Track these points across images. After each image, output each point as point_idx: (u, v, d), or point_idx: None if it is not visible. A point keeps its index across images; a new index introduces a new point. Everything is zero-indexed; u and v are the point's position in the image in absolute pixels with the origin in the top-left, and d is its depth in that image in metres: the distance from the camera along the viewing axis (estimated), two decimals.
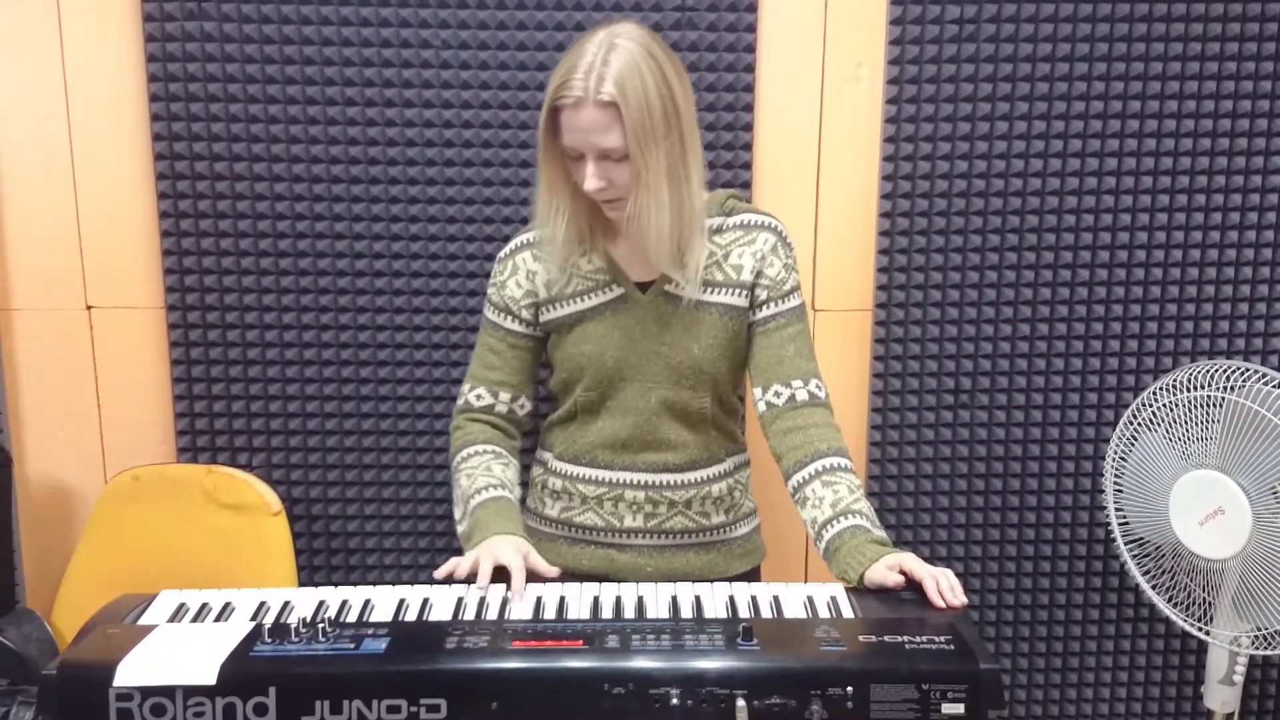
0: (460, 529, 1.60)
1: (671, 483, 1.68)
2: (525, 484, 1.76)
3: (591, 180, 1.49)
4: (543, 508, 1.77)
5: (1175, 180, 2.14)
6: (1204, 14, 2.07)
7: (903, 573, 1.35)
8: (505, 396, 1.71)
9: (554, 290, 1.65)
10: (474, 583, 1.39)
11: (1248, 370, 1.90)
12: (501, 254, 1.71)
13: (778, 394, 1.61)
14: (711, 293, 1.62)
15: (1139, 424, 2.02)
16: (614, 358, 1.63)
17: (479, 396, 1.71)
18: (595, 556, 1.72)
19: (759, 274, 1.62)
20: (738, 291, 1.62)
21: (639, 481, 1.68)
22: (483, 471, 1.63)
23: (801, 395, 1.59)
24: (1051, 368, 2.21)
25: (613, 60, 1.43)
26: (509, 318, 1.69)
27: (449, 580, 1.41)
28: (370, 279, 2.12)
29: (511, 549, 1.44)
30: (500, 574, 1.41)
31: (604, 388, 1.65)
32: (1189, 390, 1.94)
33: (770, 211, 1.69)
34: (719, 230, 1.64)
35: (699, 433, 1.67)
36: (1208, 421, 1.91)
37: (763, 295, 1.63)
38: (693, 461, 1.68)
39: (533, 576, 1.44)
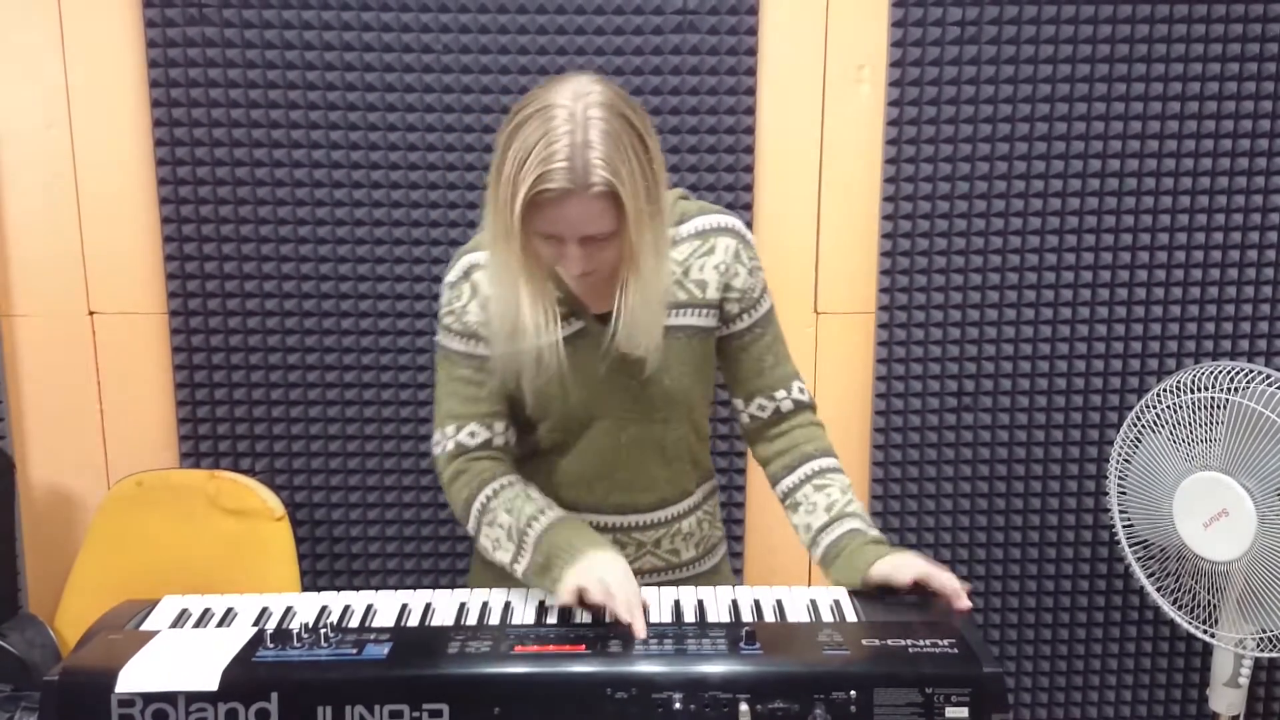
0: (519, 567, 1.40)
1: (640, 523, 1.55)
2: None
3: (576, 265, 1.31)
4: None
5: (1178, 182, 2.14)
6: (1206, 15, 2.07)
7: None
8: (500, 426, 1.49)
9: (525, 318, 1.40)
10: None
11: (1251, 371, 1.89)
12: (450, 279, 1.48)
13: (761, 407, 1.54)
14: (676, 315, 1.45)
15: (1143, 426, 2.01)
16: (578, 397, 1.45)
17: (473, 434, 1.48)
18: None
19: (726, 287, 1.47)
20: (704, 311, 1.47)
21: (605, 524, 1.53)
22: (524, 500, 1.44)
23: (786, 405, 1.53)
24: (1055, 370, 2.21)
25: (594, 139, 1.24)
26: (477, 343, 1.46)
27: (590, 608, 1.29)
28: (373, 284, 2.13)
29: (624, 573, 1.32)
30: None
31: (570, 427, 1.48)
32: (1193, 392, 1.94)
33: (721, 207, 1.51)
34: (674, 243, 1.45)
35: (673, 468, 1.54)
36: (1212, 423, 1.91)
37: (734, 309, 1.48)
38: (662, 500, 1.55)
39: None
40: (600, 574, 1.28)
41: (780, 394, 1.53)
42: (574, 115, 1.24)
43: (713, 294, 1.46)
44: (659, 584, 1.53)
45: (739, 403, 1.56)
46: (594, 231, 1.28)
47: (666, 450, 1.52)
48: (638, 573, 1.42)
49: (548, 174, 1.23)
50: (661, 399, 1.47)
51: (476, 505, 1.45)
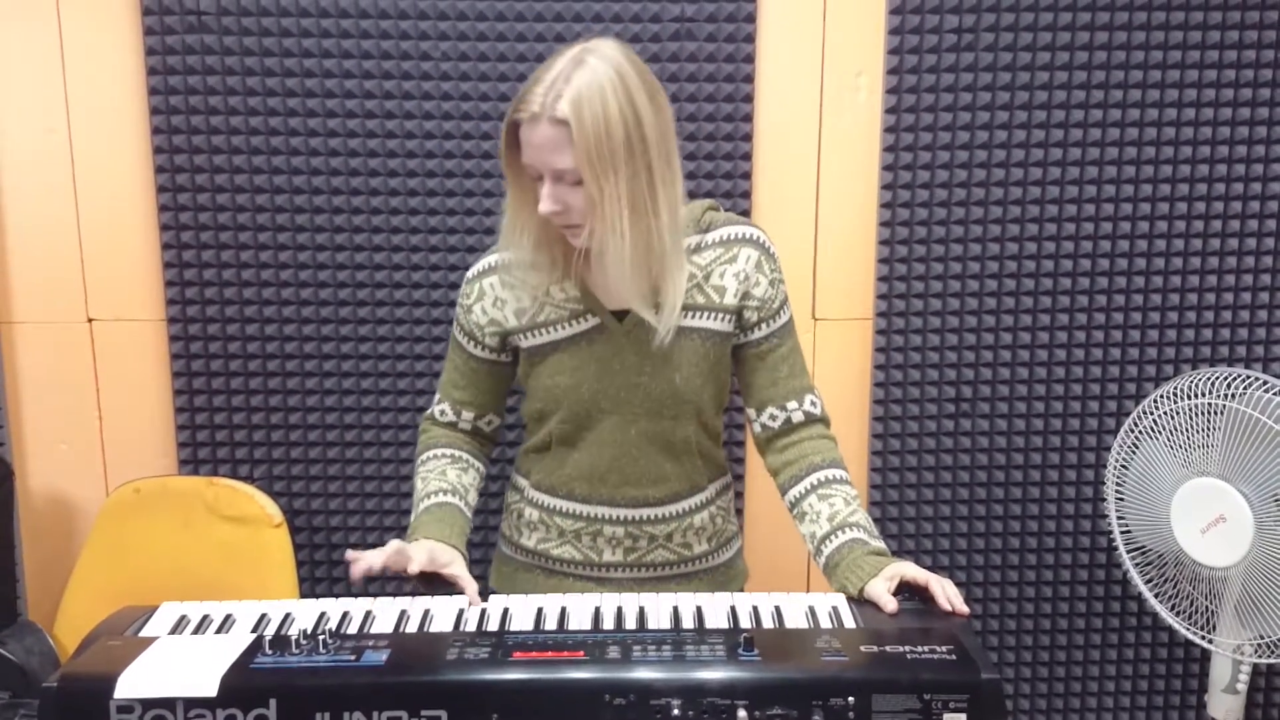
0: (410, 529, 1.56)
1: (652, 517, 1.60)
2: (500, 510, 1.72)
3: (545, 202, 1.39)
4: (519, 537, 1.69)
5: (1175, 188, 2.14)
6: (1203, 22, 2.07)
7: (905, 583, 1.35)
8: (469, 415, 1.65)
9: (524, 319, 1.54)
10: (387, 574, 1.39)
11: (1248, 377, 1.90)
12: (469, 274, 1.60)
13: (773, 417, 1.56)
14: (692, 317, 1.51)
15: (1140, 432, 2.02)
16: (590, 390, 1.53)
17: (443, 412, 1.67)
18: (574, 589, 1.62)
19: (745, 295, 1.52)
20: (721, 316, 1.52)
21: (618, 516, 1.59)
22: (436, 475, 1.60)
23: (797, 416, 1.55)
24: (1052, 375, 2.21)
25: (575, 77, 1.33)
26: (473, 343, 1.60)
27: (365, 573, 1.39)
28: (371, 290, 2.13)
29: (416, 549, 1.41)
30: (427, 580, 1.41)
31: (581, 420, 1.55)
32: (1190, 398, 1.94)
33: (749, 220, 1.59)
34: (697, 249, 1.52)
35: (681, 463, 1.59)
36: (1209, 429, 1.91)
37: (753, 317, 1.54)
38: (674, 494, 1.60)
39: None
40: (432, 553, 1.42)
41: (792, 405, 1.55)
42: (573, 58, 1.35)
43: (730, 300, 1.52)
44: (672, 577, 1.63)
45: (751, 412, 1.59)
46: (557, 165, 1.36)
47: (674, 446, 1.57)
48: (650, 565, 1.62)
49: (524, 97, 1.35)
50: (670, 397, 1.53)
51: (417, 462, 1.66)
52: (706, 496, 1.64)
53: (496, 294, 1.56)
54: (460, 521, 1.55)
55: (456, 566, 1.45)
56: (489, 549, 2.19)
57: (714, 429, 1.64)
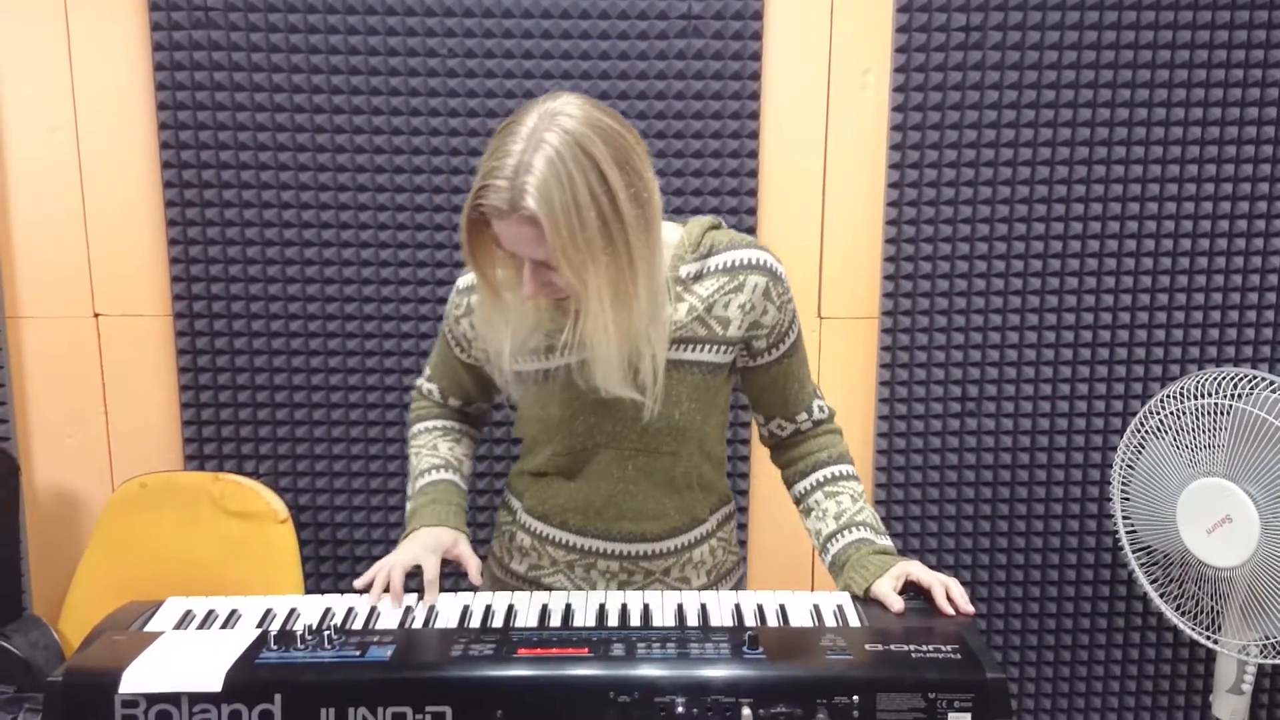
0: (408, 505, 1.55)
1: (649, 552, 1.52)
2: (491, 525, 1.66)
3: (528, 287, 1.30)
4: (509, 560, 1.61)
5: (1182, 188, 2.14)
6: (1210, 21, 2.07)
7: (910, 582, 1.35)
8: (456, 402, 1.62)
9: (514, 342, 1.41)
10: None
11: (1255, 378, 1.89)
12: (460, 284, 1.51)
13: (781, 427, 1.54)
14: (691, 350, 1.42)
15: (1146, 431, 2.01)
16: (584, 424, 1.45)
17: (431, 392, 1.63)
18: None
19: (754, 325, 1.43)
20: (723, 348, 1.43)
21: (613, 551, 1.51)
22: (429, 450, 1.57)
23: (806, 425, 1.54)
24: (1058, 375, 2.20)
25: (537, 164, 1.20)
26: (460, 349, 1.55)
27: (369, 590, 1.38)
28: (377, 287, 2.13)
29: (422, 549, 1.40)
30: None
31: (576, 454, 1.48)
32: (1196, 398, 1.94)
33: (753, 240, 1.46)
34: (698, 277, 1.41)
35: (682, 497, 1.51)
36: (1215, 429, 1.91)
37: (763, 344, 1.46)
38: (673, 529, 1.52)
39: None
40: (394, 557, 1.40)
41: (801, 417, 1.53)
42: (531, 135, 1.21)
43: (734, 332, 1.43)
44: None
45: (759, 418, 1.56)
46: (533, 255, 1.26)
47: (676, 480, 1.49)
48: None
49: (485, 189, 1.22)
50: (669, 432, 1.44)
51: (409, 434, 1.65)
52: (707, 529, 1.57)
53: (484, 313, 1.45)
54: (456, 497, 1.53)
55: (460, 546, 1.45)
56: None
57: (717, 456, 1.57)
